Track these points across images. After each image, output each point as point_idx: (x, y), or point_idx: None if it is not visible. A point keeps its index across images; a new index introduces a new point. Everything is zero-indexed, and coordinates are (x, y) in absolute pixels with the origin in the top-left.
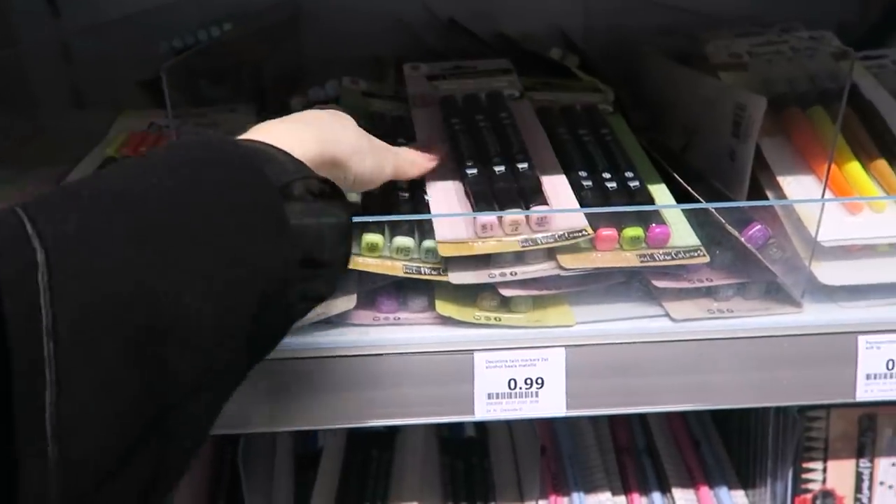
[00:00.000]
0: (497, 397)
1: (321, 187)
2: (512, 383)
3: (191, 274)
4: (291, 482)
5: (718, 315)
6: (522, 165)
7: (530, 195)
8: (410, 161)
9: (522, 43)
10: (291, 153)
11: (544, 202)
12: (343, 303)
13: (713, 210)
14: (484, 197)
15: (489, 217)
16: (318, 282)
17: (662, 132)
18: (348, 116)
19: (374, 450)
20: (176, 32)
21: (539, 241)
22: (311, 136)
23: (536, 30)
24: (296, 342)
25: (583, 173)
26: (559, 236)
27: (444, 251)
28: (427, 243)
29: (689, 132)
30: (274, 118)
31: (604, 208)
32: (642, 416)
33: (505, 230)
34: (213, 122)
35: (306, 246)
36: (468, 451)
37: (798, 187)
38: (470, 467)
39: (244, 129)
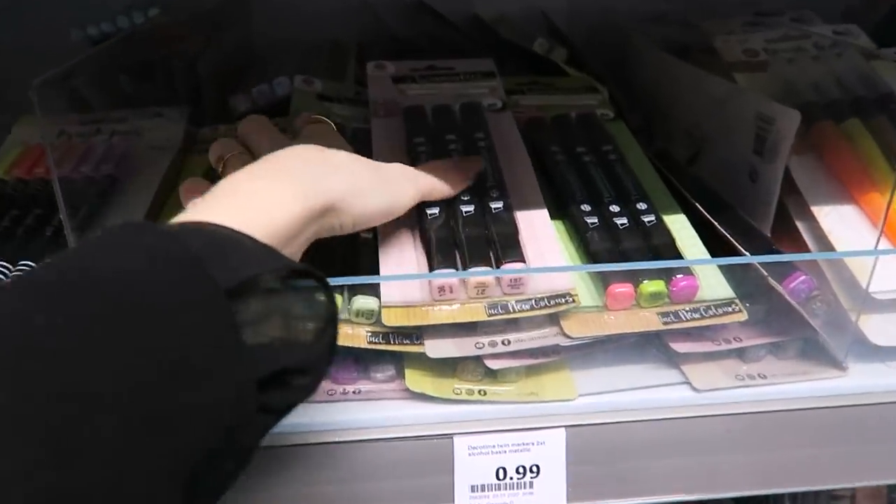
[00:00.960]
0: (483, 490)
1: (296, 272)
2: (501, 473)
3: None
4: None
5: (749, 382)
6: (496, 205)
7: (503, 246)
8: (439, 185)
9: (500, 29)
10: (269, 222)
11: (520, 257)
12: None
13: (758, 265)
14: (444, 247)
15: (447, 278)
16: (291, 391)
17: (660, 137)
18: (338, 144)
19: None
20: (92, 18)
21: (512, 309)
22: (292, 191)
23: (515, 12)
24: None
25: (585, 207)
26: (537, 302)
27: (390, 319)
28: (358, 301)
29: (697, 141)
30: (216, 127)
31: (609, 265)
32: None
33: (468, 293)
34: (134, 130)
35: (270, 359)
36: None
37: (837, 220)
38: None
39: (171, 140)
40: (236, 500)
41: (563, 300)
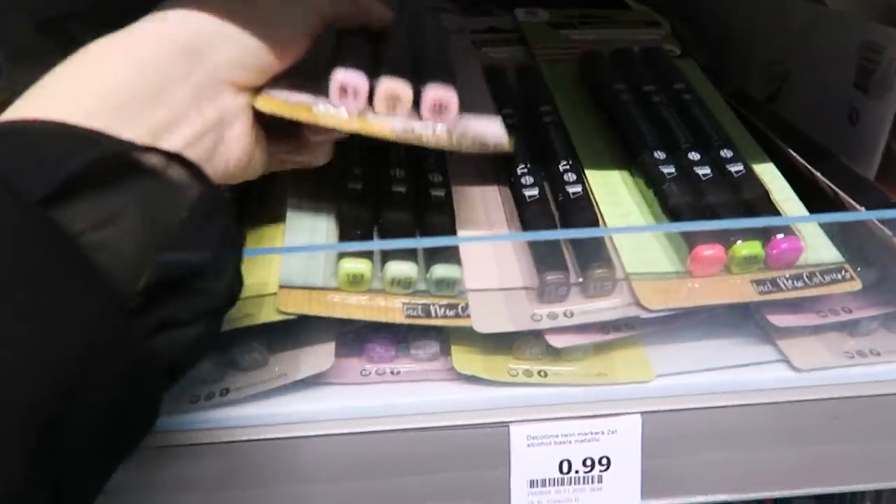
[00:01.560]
0: (544, 485)
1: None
2: (565, 466)
3: None
4: None
5: (859, 360)
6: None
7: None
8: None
9: None
10: (104, 87)
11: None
12: (315, 358)
13: (869, 220)
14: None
15: (355, 76)
16: (194, 299)
17: (733, 75)
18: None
19: None
20: None
21: (423, 129)
22: (137, 37)
23: None
24: (246, 415)
25: (659, 154)
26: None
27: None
28: (438, 270)
29: (778, 78)
30: None
31: (693, 224)
32: None
33: (379, 102)
34: None
35: (129, 263)
36: None
37: None
38: None
39: None
40: (272, 487)
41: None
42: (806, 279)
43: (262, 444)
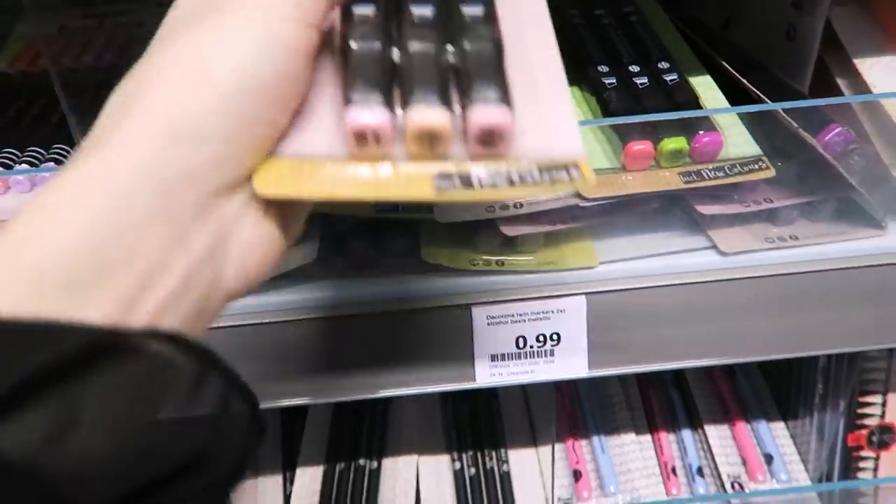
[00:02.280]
0: (503, 359)
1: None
2: (521, 341)
3: None
4: (278, 434)
5: (780, 244)
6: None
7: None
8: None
9: None
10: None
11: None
12: (301, 253)
13: (782, 112)
14: (370, 72)
15: (373, 118)
16: (181, 485)
17: (688, 3)
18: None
19: None
20: None
21: (475, 181)
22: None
23: None
24: (241, 304)
25: (603, 68)
26: (522, 175)
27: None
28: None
29: (729, 5)
30: None
31: (624, 118)
32: None
33: (409, 143)
34: (136, 21)
35: (88, 486)
36: (474, 391)
37: (883, 72)
38: (476, 410)
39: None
40: (270, 365)
41: (563, 170)
42: (727, 170)
43: (255, 328)
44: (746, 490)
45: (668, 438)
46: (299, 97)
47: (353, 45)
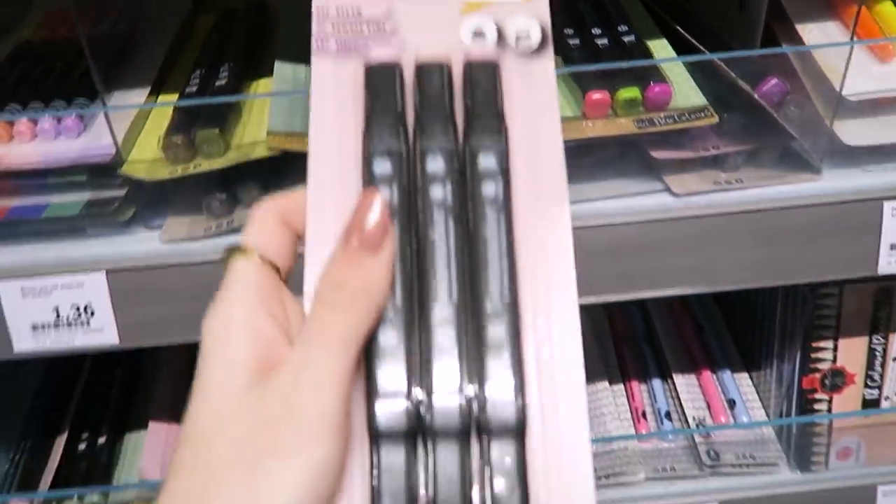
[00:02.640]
0: None
1: None
2: None
3: None
4: None
5: (726, 187)
6: None
7: None
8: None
9: None
10: None
11: None
12: None
13: (720, 63)
14: None
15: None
16: None
17: None
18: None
19: None
20: None
21: None
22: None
23: None
24: None
25: (568, 31)
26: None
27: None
28: None
29: None
30: None
31: (582, 66)
32: (641, 302)
33: None
34: None
35: None
36: None
37: (821, 37)
38: None
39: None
40: None
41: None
42: (676, 118)
43: None
44: (712, 432)
45: (639, 387)
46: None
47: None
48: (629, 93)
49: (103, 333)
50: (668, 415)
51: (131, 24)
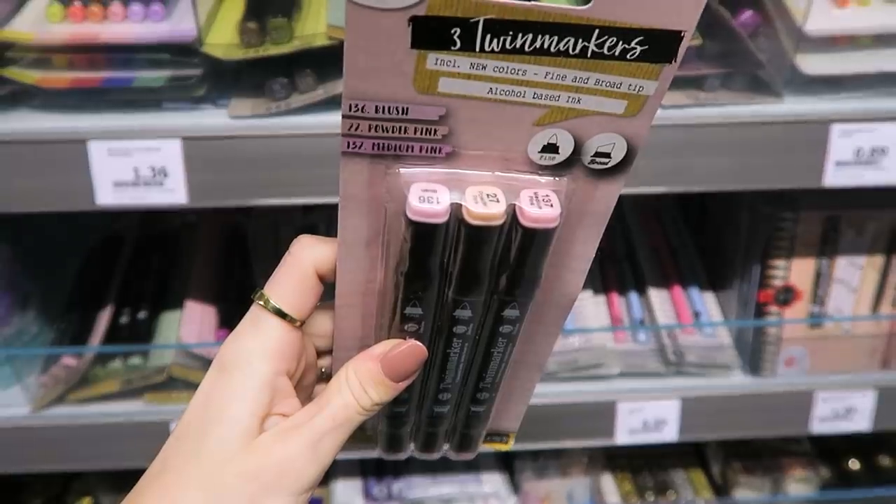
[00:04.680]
0: None
1: None
2: None
3: None
4: None
5: (704, 102)
6: None
7: None
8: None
9: None
10: None
11: None
12: None
13: None
14: None
15: None
16: None
17: None
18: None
19: None
20: None
21: None
22: None
23: None
24: (301, 122)
25: None
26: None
27: None
28: None
29: None
30: None
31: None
32: (623, 225)
33: None
34: None
35: None
36: None
37: None
38: None
39: None
40: (310, 173)
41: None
42: None
43: (311, 140)
44: (678, 338)
45: (618, 299)
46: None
47: None
48: None
49: (174, 193)
50: (641, 322)
51: None
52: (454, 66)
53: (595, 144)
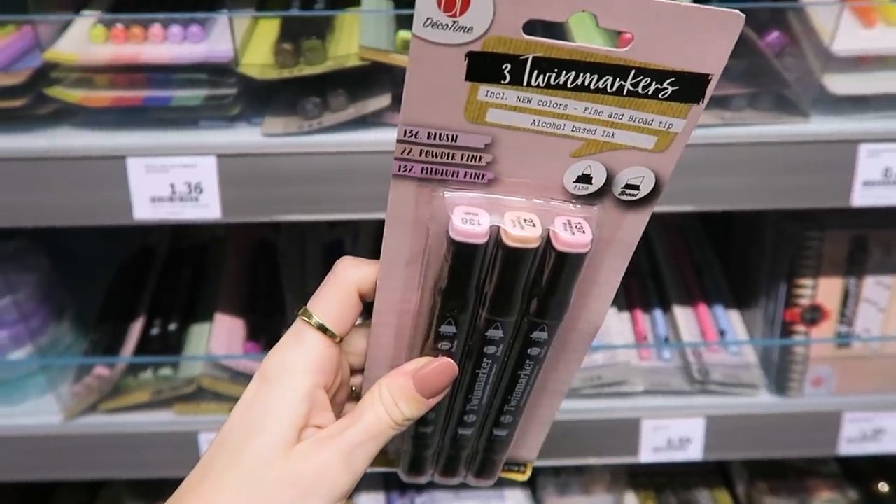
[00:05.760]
0: None
1: None
2: None
3: None
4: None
5: (730, 122)
6: None
7: None
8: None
9: None
10: None
11: None
12: (377, 101)
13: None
14: None
15: None
16: None
17: None
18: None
19: None
20: None
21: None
22: None
23: None
24: (333, 140)
25: None
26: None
27: None
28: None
29: None
30: None
31: None
32: (648, 242)
33: None
34: None
35: None
36: None
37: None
38: None
39: None
40: (340, 189)
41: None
42: None
43: (341, 157)
44: (703, 356)
45: (643, 316)
46: None
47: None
48: None
49: (209, 208)
50: (666, 339)
51: None
52: (502, 98)
53: (626, 177)
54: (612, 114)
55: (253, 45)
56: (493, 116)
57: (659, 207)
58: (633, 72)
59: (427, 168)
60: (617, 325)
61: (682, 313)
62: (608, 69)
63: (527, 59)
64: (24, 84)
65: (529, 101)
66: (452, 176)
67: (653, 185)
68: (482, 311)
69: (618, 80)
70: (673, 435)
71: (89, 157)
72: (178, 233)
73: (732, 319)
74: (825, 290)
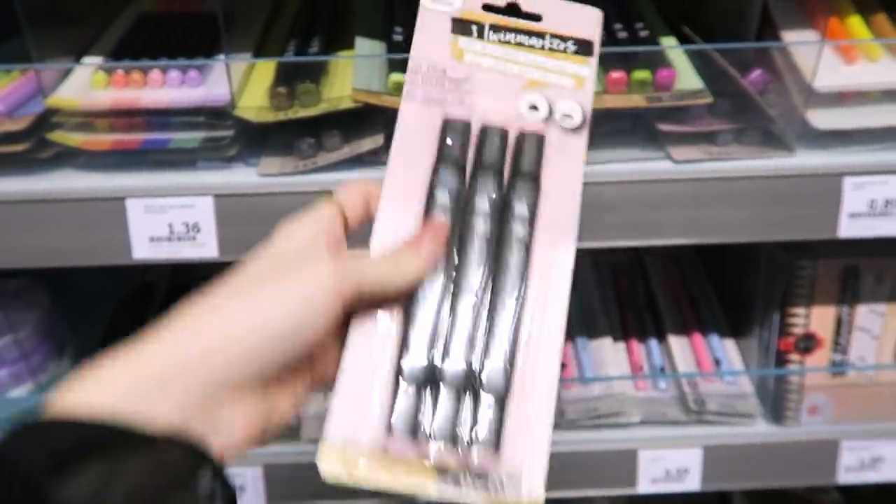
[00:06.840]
0: None
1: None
2: None
3: None
4: None
5: (717, 157)
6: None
7: None
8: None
9: None
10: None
11: None
12: (371, 142)
13: (716, 53)
14: None
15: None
16: None
17: None
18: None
19: None
20: None
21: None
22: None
23: None
24: (325, 180)
25: None
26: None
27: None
28: None
29: None
30: None
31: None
32: (644, 273)
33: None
34: None
35: None
36: None
37: (799, 40)
38: None
39: None
40: None
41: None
42: (678, 96)
43: None
44: (699, 386)
45: (638, 346)
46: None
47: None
48: (641, 74)
49: (206, 247)
50: (661, 369)
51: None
52: (473, 47)
53: (562, 108)
54: (542, 63)
55: (249, 88)
56: (468, 58)
57: (651, 241)
58: (549, 35)
59: (426, 93)
60: (613, 356)
61: (677, 343)
62: (535, 34)
63: (485, 24)
64: (26, 129)
65: (489, 50)
66: (443, 102)
67: (581, 115)
68: (470, 184)
69: (541, 40)
70: (671, 466)
71: (89, 198)
72: (177, 269)
73: (728, 349)
74: (818, 319)
